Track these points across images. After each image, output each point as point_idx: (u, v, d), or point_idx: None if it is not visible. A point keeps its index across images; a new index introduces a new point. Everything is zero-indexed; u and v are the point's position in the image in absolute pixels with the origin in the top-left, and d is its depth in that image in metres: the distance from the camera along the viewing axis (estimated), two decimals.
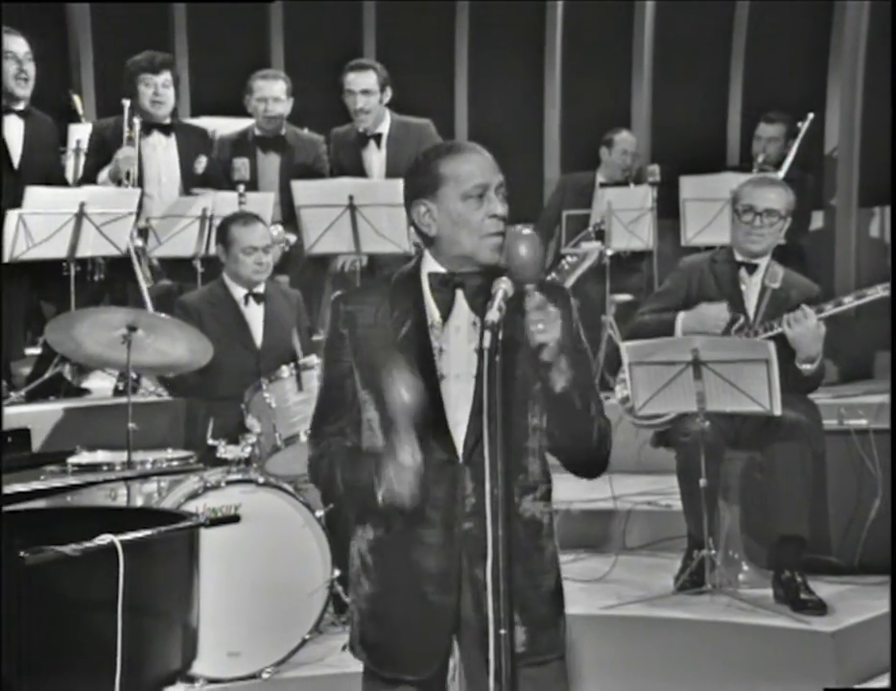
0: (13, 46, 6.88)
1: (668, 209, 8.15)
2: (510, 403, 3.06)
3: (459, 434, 3.12)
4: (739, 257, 5.79)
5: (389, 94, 7.57)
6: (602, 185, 8.88)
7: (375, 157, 7.59)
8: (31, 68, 6.91)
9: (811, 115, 8.42)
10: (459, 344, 3.14)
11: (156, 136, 7.35)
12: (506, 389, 2.99)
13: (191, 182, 7.36)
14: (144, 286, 7.02)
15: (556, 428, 3.15)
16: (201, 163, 7.32)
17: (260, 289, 6.09)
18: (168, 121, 7.40)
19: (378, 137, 7.60)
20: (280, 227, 7.27)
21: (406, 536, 3.15)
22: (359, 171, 7.61)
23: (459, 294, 3.14)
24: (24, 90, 6.93)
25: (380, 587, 3.23)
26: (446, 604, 3.12)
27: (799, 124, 8.44)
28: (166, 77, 7.33)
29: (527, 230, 3.06)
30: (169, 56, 7.57)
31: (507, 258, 3.05)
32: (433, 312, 3.16)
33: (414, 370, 3.10)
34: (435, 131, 7.70)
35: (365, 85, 7.50)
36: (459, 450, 3.11)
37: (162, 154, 7.34)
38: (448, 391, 3.12)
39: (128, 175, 7.04)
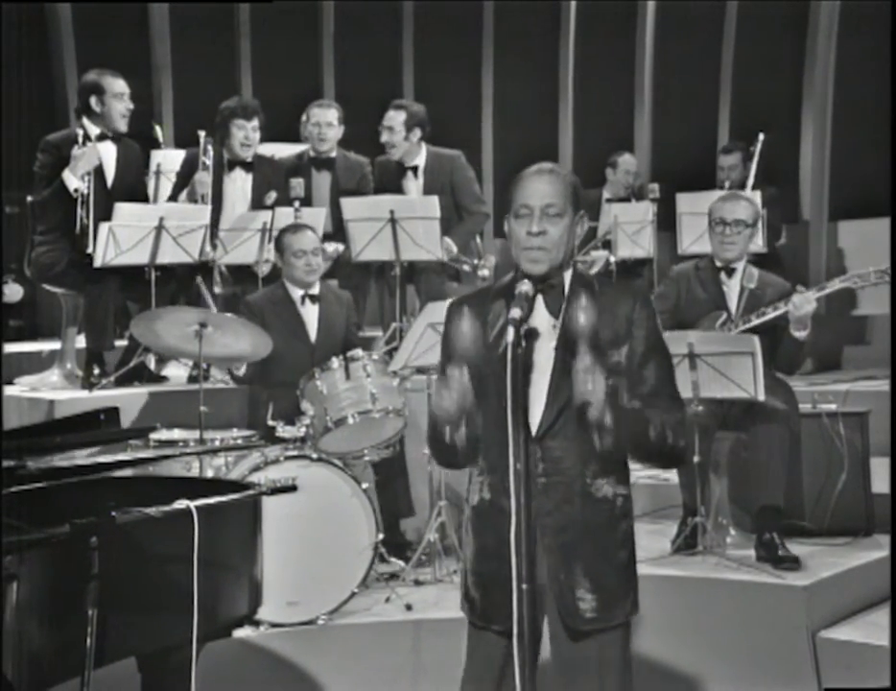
0: (119, 87, 6.92)
1: (666, 222, 8.14)
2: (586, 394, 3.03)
3: (535, 419, 3.10)
4: (718, 263, 5.82)
5: (418, 133, 7.44)
6: (608, 201, 8.87)
7: (413, 186, 7.53)
8: (130, 104, 6.98)
9: (761, 136, 8.37)
10: (539, 342, 3.10)
11: (237, 172, 7.28)
12: (583, 382, 2.99)
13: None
14: (215, 289, 7.06)
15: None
16: (270, 197, 7.24)
17: (315, 290, 6.11)
18: (250, 159, 7.31)
19: (415, 169, 7.54)
20: (339, 248, 7.28)
21: (494, 506, 3.14)
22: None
23: (540, 299, 3.12)
24: (125, 123, 6.99)
25: (475, 550, 3.23)
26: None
27: (752, 148, 8.40)
28: (255, 123, 7.22)
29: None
30: (258, 103, 7.42)
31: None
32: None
33: (501, 364, 3.04)
34: (465, 162, 7.61)
35: (389, 123, 7.43)
36: (533, 434, 3.08)
37: (240, 186, 7.30)
38: (529, 382, 3.06)
39: (203, 197, 7.05)
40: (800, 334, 5.49)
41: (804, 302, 5.45)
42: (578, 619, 3.13)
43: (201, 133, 7.17)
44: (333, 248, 7.21)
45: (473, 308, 3.23)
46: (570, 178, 3.19)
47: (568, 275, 3.18)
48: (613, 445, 3.05)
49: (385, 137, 7.47)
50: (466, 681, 3.28)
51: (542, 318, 3.13)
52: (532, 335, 3.11)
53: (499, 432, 3.02)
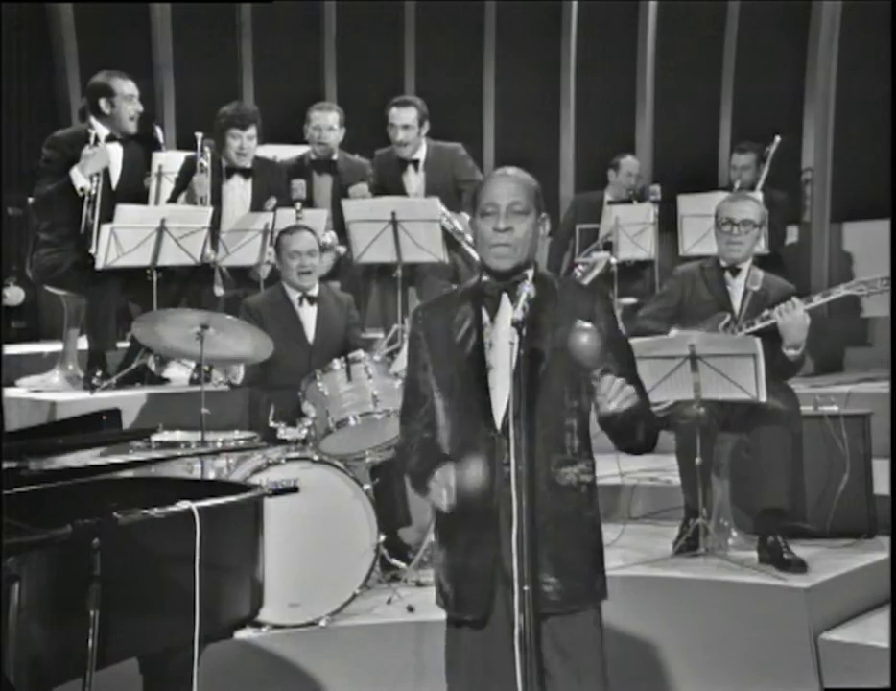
0: (129, 89, 6.95)
1: (667, 224, 8.15)
2: (550, 388, 3.17)
3: (499, 413, 3.18)
4: (723, 264, 5.82)
5: (427, 127, 7.45)
6: (610, 203, 8.87)
7: (414, 180, 7.53)
8: (140, 107, 7.00)
9: (777, 138, 8.38)
10: (504, 340, 3.16)
11: (236, 179, 7.26)
12: (547, 377, 3.13)
13: None
14: (216, 291, 7.06)
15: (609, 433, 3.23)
16: (270, 204, 7.22)
17: (314, 292, 6.09)
18: (248, 165, 7.29)
19: (416, 163, 7.53)
20: (334, 233, 7.29)
21: (462, 498, 3.21)
22: (399, 190, 7.54)
23: (505, 297, 3.22)
24: (134, 124, 7.01)
25: (447, 544, 3.31)
26: (490, 556, 3.17)
27: (767, 148, 8.40)
28: (251, 132, 7.18)
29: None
30: (256, 110, 7.39)
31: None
32: (485, 314, 3.25)
33: (469, 362, 3.20)
34: (465, 153, 7.62)
35: (405, 121, 7.40)
36: (499, 427, 3.17)
37: (239, 193, 7.27)
38: (495, 378, 3.18)
39: (201, 199, 7.05)
40: (790, 353, 5.49)
41: (786, 311, 5.43)
42: (544, 603, 3.17)
43: (199, 135, 7.17)
44: (332, 237, 7.19)
45: (438, 312, 3.34)
46: (533, 182, 3.31)
47: (530, 273, 3.27)
48: (580, 429, 3.20)
49: (401, 136, 7.42)
50: (450, 675, 3.34)
51: (507, 314, 3.19)
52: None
53: (465, 430, 3.19)
